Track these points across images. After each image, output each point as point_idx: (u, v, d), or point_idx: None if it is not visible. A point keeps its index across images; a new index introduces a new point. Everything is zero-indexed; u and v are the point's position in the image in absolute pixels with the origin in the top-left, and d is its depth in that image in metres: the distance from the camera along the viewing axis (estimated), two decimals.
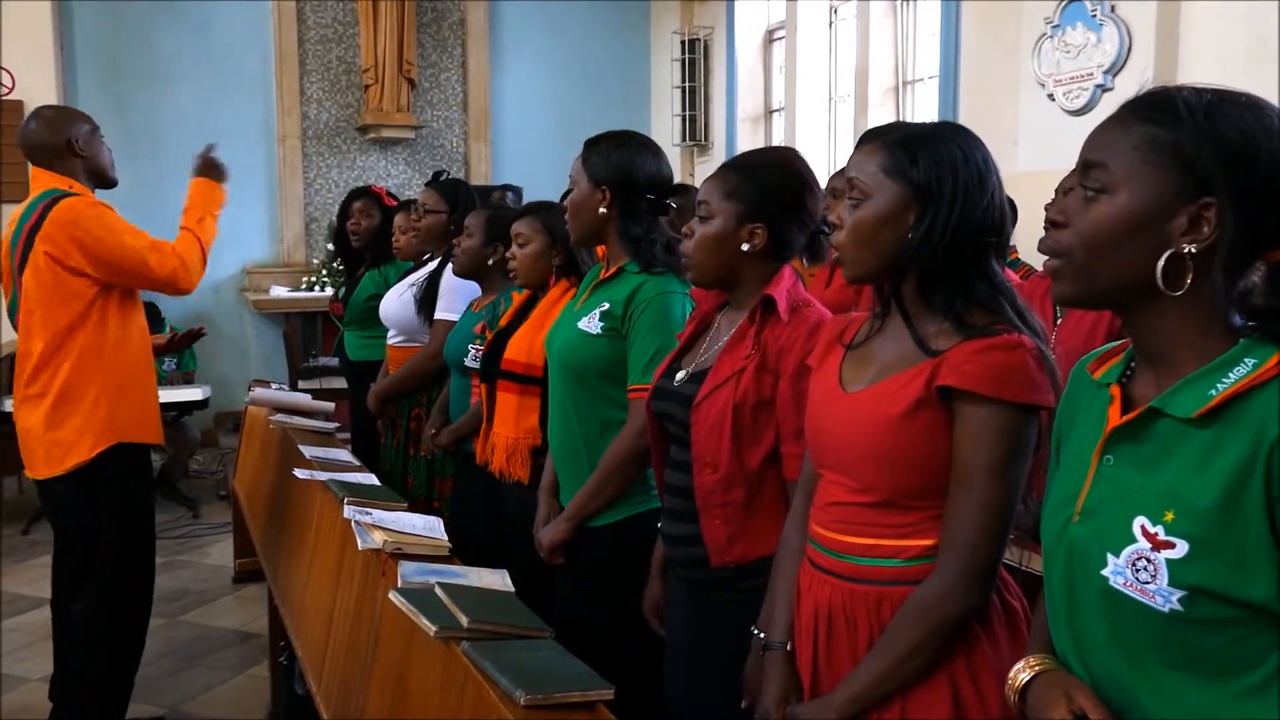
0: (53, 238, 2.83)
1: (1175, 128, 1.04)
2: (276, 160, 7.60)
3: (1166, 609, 1.01)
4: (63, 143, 2.94)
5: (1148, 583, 1.01)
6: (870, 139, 1.50)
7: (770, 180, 1.85)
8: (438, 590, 1.84)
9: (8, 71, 6.48)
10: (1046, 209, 1.14)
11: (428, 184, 3.79)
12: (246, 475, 3.98)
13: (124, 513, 2.98)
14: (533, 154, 7.97)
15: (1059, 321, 2.56)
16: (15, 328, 2.99)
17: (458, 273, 3.21)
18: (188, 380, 6.39)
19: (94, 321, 2.89)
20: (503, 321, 2.78)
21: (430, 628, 1.71)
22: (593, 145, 2.33)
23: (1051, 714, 1.09)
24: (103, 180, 3.04)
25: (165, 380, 6.32)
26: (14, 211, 2.98)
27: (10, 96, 6.48)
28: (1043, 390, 1.37)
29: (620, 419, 2.25)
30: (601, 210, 2.28)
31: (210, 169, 3.24)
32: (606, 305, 2.26)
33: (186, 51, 7.27)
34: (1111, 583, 1.05)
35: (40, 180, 2.95)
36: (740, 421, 1.77)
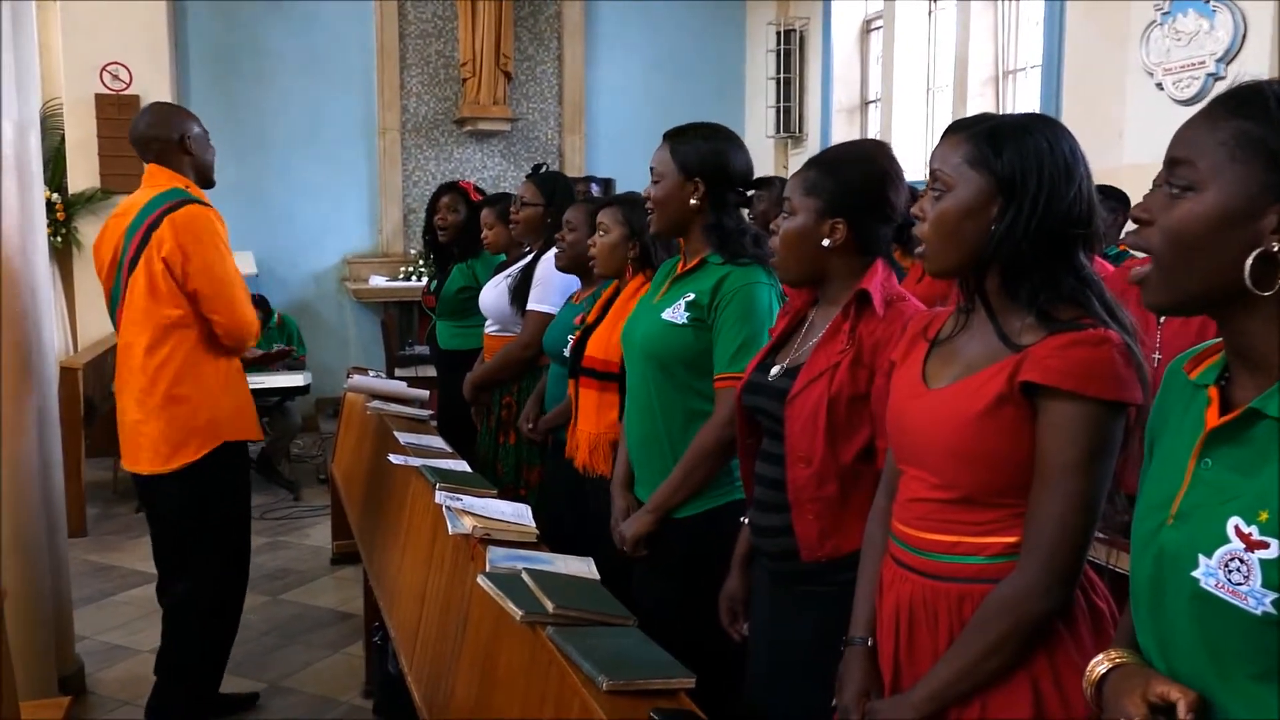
0: (173, 241, 2.88)
1: (1265, 122, 1.01)
2: (377, 153, 7.78)
3: (1259, 611, 0.98)
4: (176, 138, 3.01)
5: (1240, 584, 0.99)
6: (955, 131, 1.48)
7: (850, 175, 1.84)
8: (524, 576, 1.88)
9: (125, 67, 6.74)
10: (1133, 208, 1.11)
11: (528, 177, 3.84)
12: (344, 460, 4.09)
13: (224, 508, 3.07)
14: (627, 146, 8.00)
15: (1162, 322, 2.47)
16: (113, 317, 3.05)
17: (562, 267, 3.23)
18: (299, 365, 6.59)
19: (200, 322, 2.95)
20: (589, 318, 2.80)
21: (516, 612, 1.74)
22: (680, 137, 2.31)
23: (1124, 702, 1.07)
24: (204, 181, 3.10)
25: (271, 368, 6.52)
26: (126, 201, 3.05)
27: (127, 92, 6.74)
28: (1130, 387, 1.34)
29: (705, 410, 2.25)
30: (692, 202, 2.28)
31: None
32: (692, 295, 2.26)
33: (292, 48, 7.48)
34: (1203, 584, 1.02)
35: (157, 176, 3.01)
36: (835, 416, 1.77)
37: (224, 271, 2.96)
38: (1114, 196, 4.06)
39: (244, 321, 3.01)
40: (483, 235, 4.04)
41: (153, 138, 3.02)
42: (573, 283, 3.28)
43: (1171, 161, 1.08)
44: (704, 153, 2.27)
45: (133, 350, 2.97)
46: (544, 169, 3.98)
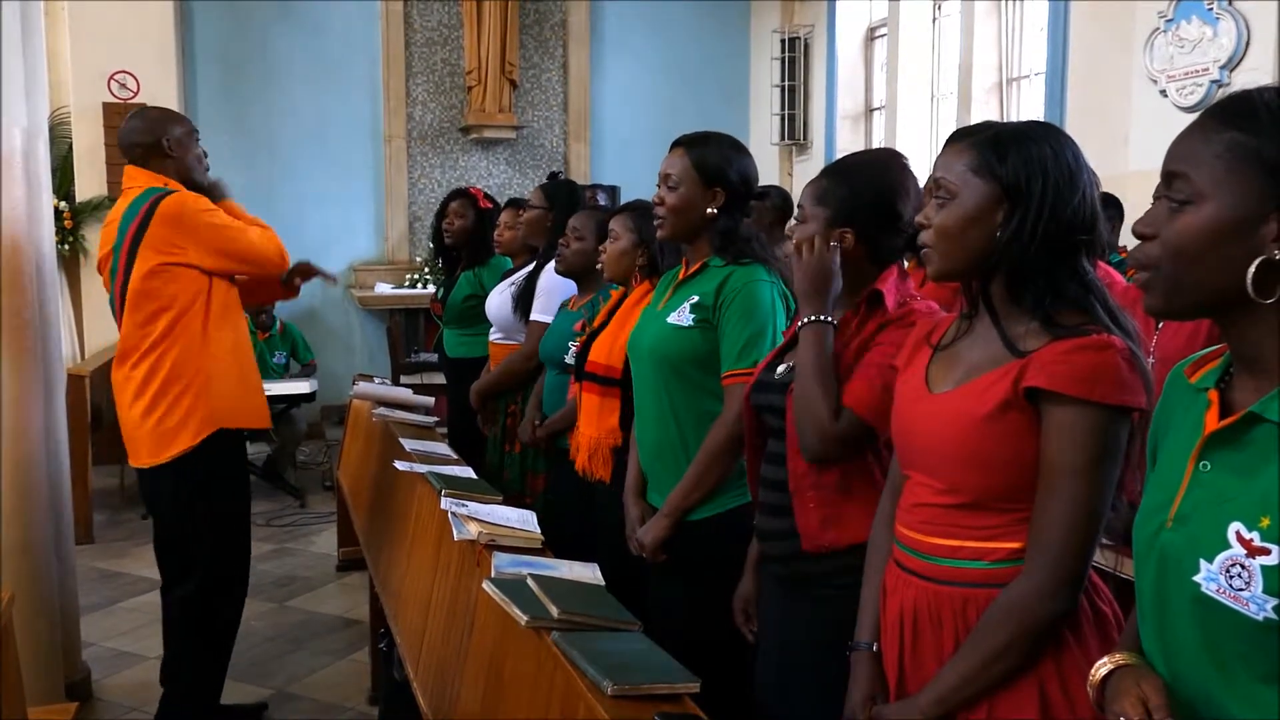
0: (162, 236, 2.91)
1: (1257, 132, 1.02)
2: (383, 160, 7.81)
3: (1260, 617, 0.98)
4: (156, 141, 3.03)
5: (1241, 589, 0.99)
6: (958, 139, 1.49)
7: (861, 185, 1.85)
8: (529, 581, 1.88)
9: (132, 76, 6.77)
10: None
11: (540, 185, 3.91)
12: (350, 466, 4.10)
13: (222, 504, 3.06)
14: (632, 154, 8.01)
15: (1159, 327, 2.49)
16: (118, 321, 3.05)
17: (561, 270, 3.25)
18: (309, 371, 6.62)
19: (197, 313, 2.96)
20: (595, 323, 2.82)
21: (521, 617, 1.75)
22: (701, 145, 2.30)
23: (1122, 702, 1.08)
24: (188, 183, 3.08)
25: (281, 374, 6.53)
26: (113, 209, 3.06)
27: (134, 100, 6.76)
28: (1134, 391, 1.35)
29: (718, 410, 2.25)
30: (710, 210, 2.28)
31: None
32: (696, 298, 2.27)
33: (299, 54, 7.52)
34: (1204, 589, 1.03)
35: (136, 178, 3.03)
36: None
37: (221, 236, 2.99)
38: (1110, 204, 4.06)
39: (266, 260, 3.09)
40: (497, 233, 4.07)
41: (133, 143, 3.05)
42: (571, 289, 3.30)
43: (1169, 175, 1.08)
44: (725, 162, 2.28)
45: (134, 349, 2.98)
46: (560, 176, 4.01)
